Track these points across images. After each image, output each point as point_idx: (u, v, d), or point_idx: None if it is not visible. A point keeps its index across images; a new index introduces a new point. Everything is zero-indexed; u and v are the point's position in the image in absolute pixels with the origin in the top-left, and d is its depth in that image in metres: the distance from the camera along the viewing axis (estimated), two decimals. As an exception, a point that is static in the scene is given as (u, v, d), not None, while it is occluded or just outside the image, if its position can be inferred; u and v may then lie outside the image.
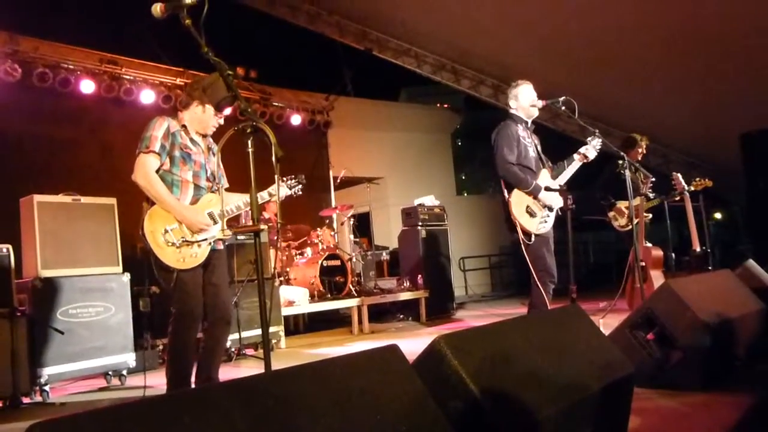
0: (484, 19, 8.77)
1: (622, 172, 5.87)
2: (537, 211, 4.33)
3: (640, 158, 6.13)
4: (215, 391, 1.12)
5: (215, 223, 3.29)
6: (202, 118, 3.37)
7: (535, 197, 4.32)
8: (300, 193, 3.73)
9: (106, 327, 4.45)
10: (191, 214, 3.24)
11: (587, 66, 8.92)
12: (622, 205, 5.95)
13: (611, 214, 6.03)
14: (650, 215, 5.82)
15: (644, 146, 5.96)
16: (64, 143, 7.07)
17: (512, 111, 4.56)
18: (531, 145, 4.49)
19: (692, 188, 5.55)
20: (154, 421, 0.99)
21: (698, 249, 5.49)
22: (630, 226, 5.90)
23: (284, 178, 3.66)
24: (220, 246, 3.46)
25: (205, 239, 3.27)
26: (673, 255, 5.87)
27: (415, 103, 17.91)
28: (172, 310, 3.23)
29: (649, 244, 5.72)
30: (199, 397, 1.11)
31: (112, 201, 4.71)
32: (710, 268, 5.45)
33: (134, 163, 3.25)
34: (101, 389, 4.50)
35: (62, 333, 4.13)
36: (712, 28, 7.45)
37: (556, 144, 7.50)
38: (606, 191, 6.03)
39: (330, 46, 10.73)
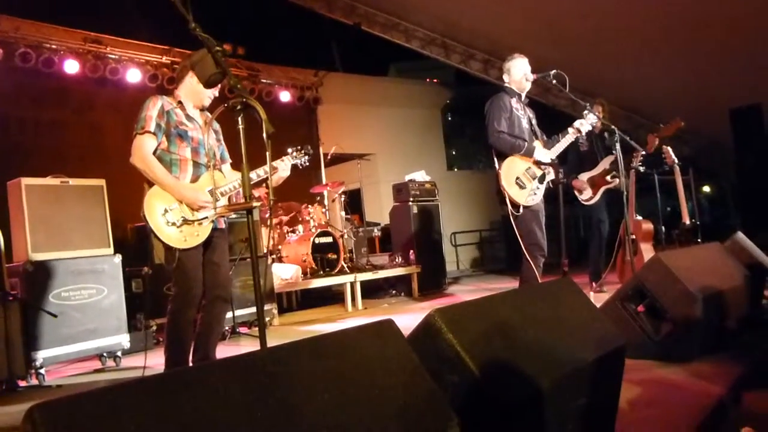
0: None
1: (581, 144, 5.91)
2: (526, 183, 4.34)
3: (598, 125, 6.11)
4: (212, 369, 1.12)
5: (216, 200, 3.28)
6: (198, 89, 3.32)
7: (529, 156, 4.34)
8: (307, 164, 3.71)
9: (99, 309, 4.45)
10: (190, 193, 3.22)
11: (578, 40, 8.88)
12: (583, 177, 5.96)
13: (574, 190, 6.03)
14: (616, 181, 5.80)
15: (600, 111, 5.84)
16: (50, 125, 6.99)
17: (505, 84, 4.60)
18: (524, 117, 4.50)
19: (664, 133, 5.48)
20: (152, 400, 0.99)
21: (688, 222, 5.53)
22: (594, 199, 5.93)
23: (290, 149, 3.64)
24: (222, 224, 3.45)
25: (206, 217, 3.26)
26: (663, 228, 5.91)
27: (404, 78, 17.79)
28: (171, 290, 3.23)
29: (640, 218, 5.76)
30: (196, 375, 1.11)
31: (101, 182, 4.68)
32: (699, 241, 5.50)
33: (124, 149, 3.23)
34: (97, 371, 4.51)
35: (55, 316, 4.12)
36: (704, 4, 7.42)
37: (552, 120, 7.51)
38: (573, 168, 6.01)
39: (318, 22, 10.61)
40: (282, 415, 1.08)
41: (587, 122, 4.47)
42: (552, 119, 7.99)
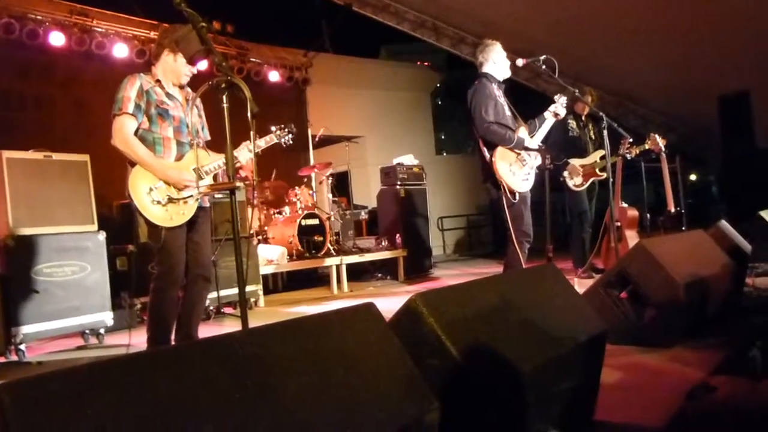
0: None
1: (571, 129, 5.97)
2: (517, 170, 4.36)
3: (585, 112, 6.18)
4: (189, 350, 1.11)
5: (201, 178, 3.26)
6: (174, 67, 3.29)
7: (518, 150, 4.34)
8: (291, 142, 3.69)
9: (83, 286, 4.41)
10: (174, 172, 3.20)
11: (569, 25, 8.84)
12: (576, 163, 6.00)
13: (565, 173, 6.06)
14: (604, 174, 5.85)
15: (590, 100, 5.77)
16: (33, 98, 6.87)
17: (487, 69, 4.55)
18: (506, 104, 4.50)
19: (646, 147, 5.56)
20: (127, 379, 0.98)
21: (673, 209, 5.57)
22: (585, 185, 5.98)
23: (274, 128, 3.62)
24: (206, 203, 3.44)
25: (191, 195, 3.24)
26: (648, 215, 5.95)
27: (395, 60, 17.66)
28: (154, 269, 3.22)
29: (625, 204, 5.79)
30: (174, 355, 1.10)
31: (85, 158, 4.61)
32: (684, 228, 5.55)
33: (110, 126, 3.19)
34: (79, 348, 4.49)
35: (37, 292, 4.08)
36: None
37: (527, 101, 7.52)
38: (559, 150, 6.02)
39: (309, 1, 10.48)
40: (259, 396, 1.08)
41: (560, 105, 4.50)
42: (526, 100, 7.99)
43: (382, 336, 1.42)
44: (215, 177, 3.41)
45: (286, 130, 3.61)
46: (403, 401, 1.31)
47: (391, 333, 1.44)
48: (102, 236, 4.59)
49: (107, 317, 4.54)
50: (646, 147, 5.51)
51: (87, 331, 4.50)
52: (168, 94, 3.31)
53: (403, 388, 1.33)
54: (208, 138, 3.58)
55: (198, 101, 3.51)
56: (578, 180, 6.00)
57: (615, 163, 5.55)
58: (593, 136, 6.19)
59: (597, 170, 5.94)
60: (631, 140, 5.45)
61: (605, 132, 4.47)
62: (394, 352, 1.40)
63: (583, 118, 6.26)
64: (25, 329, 4.05)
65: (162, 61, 3.31)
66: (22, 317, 4.04)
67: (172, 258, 3.20)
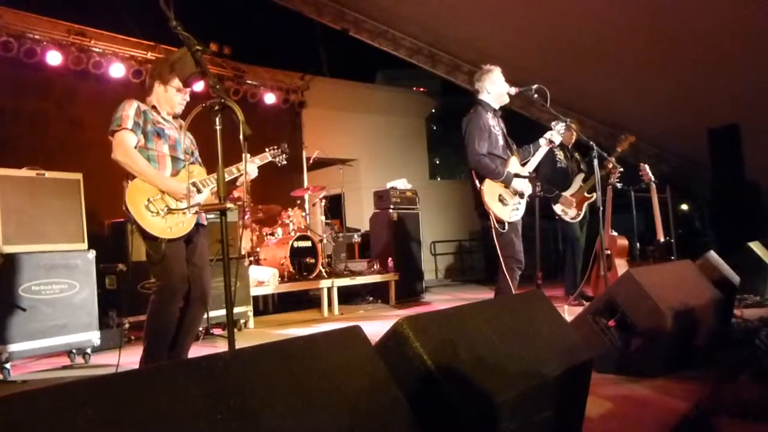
0: (462, 4, 8.74)
1: (559, 160, 6.06)
2: (508, 199, 4.36)
3: (572, 142, 6.28)
4: (172, 369, 1.11)
5: (199, 192, 3.29)
6: (167, 97, 3.38)
7: (507, 186, 4.35)
8: (285, 162, 3.73)
9: (70, 304, 4.38)
10: (173, 182, 3.24)
11: (563, 55, 8.98)
12: (567, 194, 6.05)
13: (560, 207, 6.09)
14: (594, 195, 5.89)
15: (574, 129, 5.89)
16: (28, 116, 6.90)
17: (482, 97, 4.55)
18: (500, 133, 4.52)
19: (618, 150, 5.68)
20: (109, 398, 0.98)
21: (662, 239, 5.61)
22: (581, 216, 6.02)
23: (267, 148, 3.67)
24: (204, 221, 3.46)
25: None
26: (638, 244, 5.99)
27: (391, 86, 17.81)
28: (149, 286, 3.22)
29: (616, 233, 5.84)
30: (157, 375, 1.10)
31: (78, 176, 4.61)
32: (673, 258, 5.58)
33: (105, 144, 3.24)
34: (65, 367, 4.44)
35: (24, 310, 4.05)
36: (688, 25, 7.56)
37: (523, 128, 7.61)
38: (549, 183, 6.07)
39: (306, 25, 10.59)
40: (241, 418, 1.08)
41: (557, 133, 4.54)
42: (520, 127, 8.09)
43: (368, 359, 1.42)
44: (212, 192, 3.44)
45: (280, 150, 3.66)
46: (385, 425, 1.31)
47: (376, 356, 1.44)
48: (92, 254, 4.57)
49: (94, 336, 4.50)
50: (618, 150, 5.62)
51: (73, 351, 4.46)
52: (163, 118, 3.40)
53: (386, 412, 1.33)
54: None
55: (190, 135, 3.56)
56: (573, 212, 6.04)
57: (605, 189, 5.60)
58: (581, 167, 6.28)
59: (585, 193, 6.00)
60: (621, 169, 5.52)
61: (595, 161, 4.51)
62: (378, 376, 1.40)
63: (569, 148, 6.35)
64: (11, 348, 4.01)
65: (154, 92, 3.40)
66: (8, 335, 4.00)
67: (172, 272, 3.20)
